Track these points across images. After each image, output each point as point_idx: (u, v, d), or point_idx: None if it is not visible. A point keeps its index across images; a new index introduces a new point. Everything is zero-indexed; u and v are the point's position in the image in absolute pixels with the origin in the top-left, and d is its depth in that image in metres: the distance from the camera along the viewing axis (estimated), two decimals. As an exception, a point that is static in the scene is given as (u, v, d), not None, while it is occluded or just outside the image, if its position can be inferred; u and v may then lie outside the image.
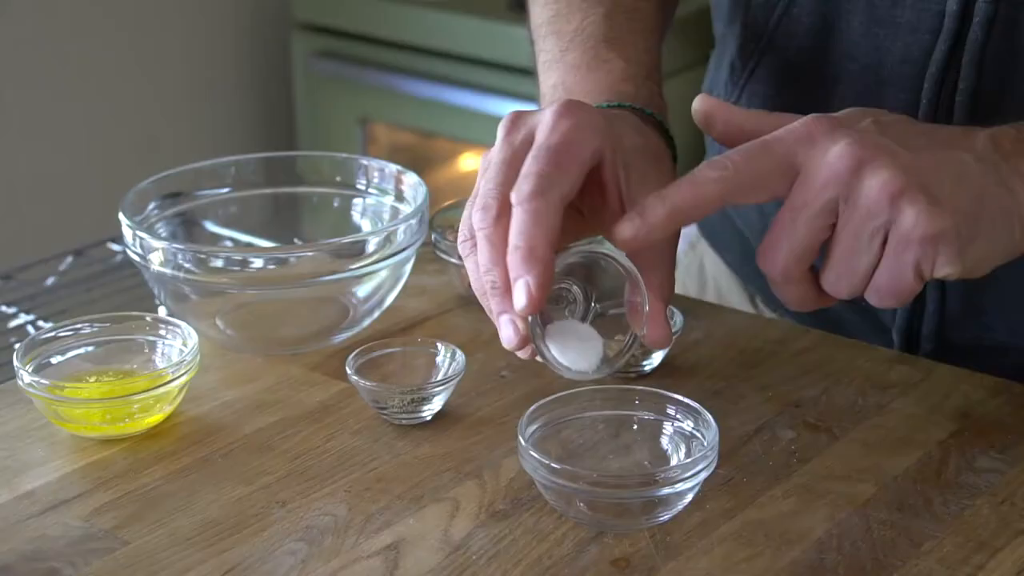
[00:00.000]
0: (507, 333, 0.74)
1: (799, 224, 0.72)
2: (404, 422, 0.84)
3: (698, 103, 0.79)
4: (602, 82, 0.88)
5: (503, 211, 0.74)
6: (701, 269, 1.14)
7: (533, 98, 2.23)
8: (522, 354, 0.76)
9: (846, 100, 0.92)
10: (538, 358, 0.75)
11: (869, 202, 0.71)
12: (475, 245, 0.76)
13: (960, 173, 0.72)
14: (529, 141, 0.76)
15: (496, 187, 0.75)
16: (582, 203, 0.76)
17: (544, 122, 0.76)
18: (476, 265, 0.76)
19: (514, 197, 0.73)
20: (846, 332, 0.97)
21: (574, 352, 0.76)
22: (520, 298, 0.72)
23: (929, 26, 0.88)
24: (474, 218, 0.75)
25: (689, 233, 1.18)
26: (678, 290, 1.15)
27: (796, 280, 0.74)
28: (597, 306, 0.80)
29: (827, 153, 0.72)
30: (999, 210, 0.73)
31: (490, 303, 0.75)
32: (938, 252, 0.71)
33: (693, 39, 1.73)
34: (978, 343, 0.93)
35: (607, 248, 0.76)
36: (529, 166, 0.74)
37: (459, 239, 0.78)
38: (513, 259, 0.72)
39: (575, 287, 0.79)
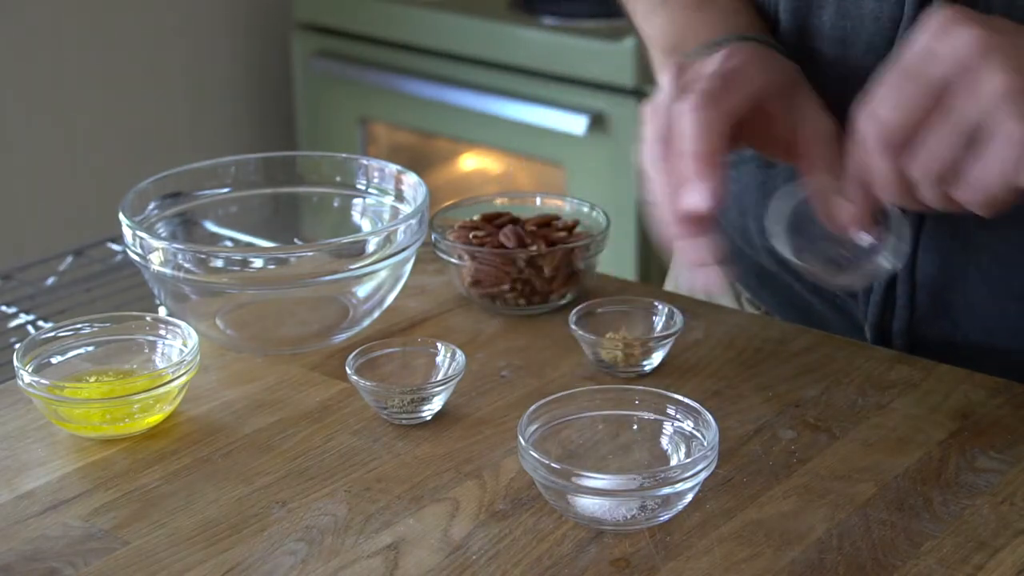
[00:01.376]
0: (694, 200, 0.77)
1: (907, 90, 0.73)
2: (404, 422, 0.84)
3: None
4: (715, 18, 0.92)
5: (669, 152, 0.78)
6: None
7: (534, 98, 2.23)
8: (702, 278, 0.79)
9: (819, 93, 0.93)
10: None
11: (985, 92, 0.72)
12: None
13: None
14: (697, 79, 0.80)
15: (657, 129, 0.79)
16: (749, 129, 0.81)
17: (711, 61, 0.80)
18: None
19: (687, 98, 0.77)
20: (826, 329, 0.97)
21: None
22: (693, 198, 0.76)
23: (891, 14, 0.89)
24: (652, 149, 0.79)
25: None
26: (669, 287, 1.16)
27: (891, 152, 0.75)
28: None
29: (955, 35, 0.72)
30: None
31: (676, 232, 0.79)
32: None
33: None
34: (949, 340, 0.93)
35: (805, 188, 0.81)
36: (701, 80, 0.78)
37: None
38: (682, 163, 0.77)
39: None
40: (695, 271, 0.78)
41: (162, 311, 0.96)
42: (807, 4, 0.93)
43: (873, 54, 0.90)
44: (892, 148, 0.75)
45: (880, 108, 0.75)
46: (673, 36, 0.94)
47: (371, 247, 0.91)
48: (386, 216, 1.00)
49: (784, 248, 0.82)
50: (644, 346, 0.88)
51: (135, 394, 0.82)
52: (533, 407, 0.77)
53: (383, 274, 0.92)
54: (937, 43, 0.73)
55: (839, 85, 0.92)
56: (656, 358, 0.89)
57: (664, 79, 0.82)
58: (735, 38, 0.87)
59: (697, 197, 0.76)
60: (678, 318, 0.89)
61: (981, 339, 0.92)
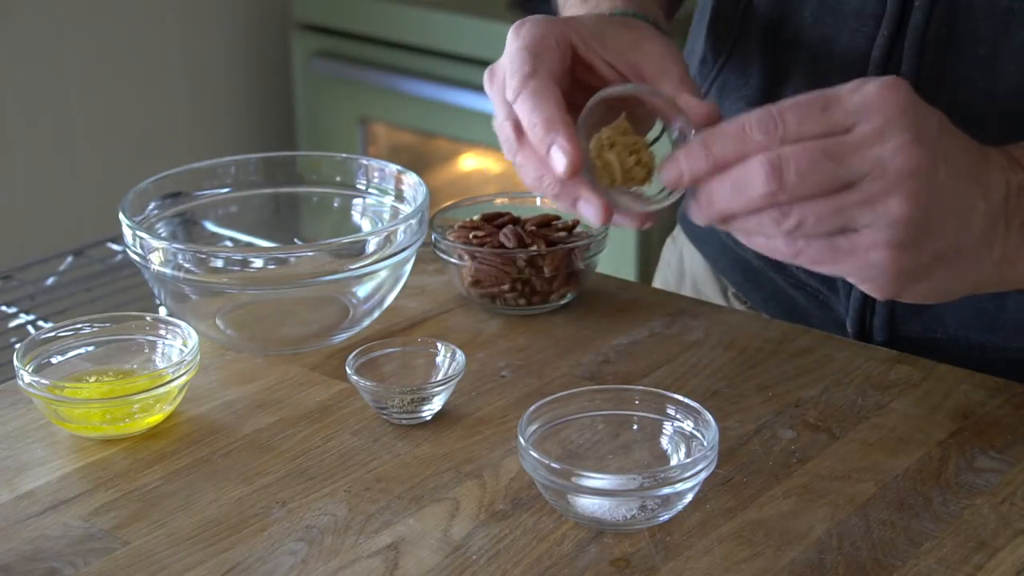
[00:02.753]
0: (591, 212, 0.78)
1: (823, 171, 0.71)
2: (404, 422, 0.84)
3: None
4: (601, 4, 0.92)
5: (520, 133, 0.79)
6: (680, 261, 1.15)
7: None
8: (621, 220, 0.79)
9: (798, 89, 0.93)
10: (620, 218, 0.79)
11: (887, 164, 0.70)
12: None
13: (965, 218, 0.73)
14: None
15: (504, 118, 0.80)
16: (579, 90, 0.81)
17: (508, 42, 0.82)
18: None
19: (510, 96, 0.79)
20: (808, 323, 0.98)
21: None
22: (558, 160, 0.76)
23: (873, 11, 0.89)
24: (505, 153, 0.82)
25: (673, 227, 1.19)
26: (658, 284, 1.16)
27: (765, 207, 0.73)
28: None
29: (890, 138, 0.70)
30: (968, 260, 0.74)
31: (561, 205, 0.80)
32: (891, 265, 0.72)
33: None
34: (930, 336, 0.93)
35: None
36: (508, 67, 0.80)
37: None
38: (535, 135, 0.77)
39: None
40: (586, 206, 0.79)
41: (162, 311, 0.96)
42: (789, 1, 0.93)
43: (855, 51, 0.91)
44: (773, 200, 0.72)
45: (788, 168, 0.71)
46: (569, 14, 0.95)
47: (371, 247, 0.91)
48: (386, 216, 1.00)
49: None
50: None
51: (135, 394, 0.82)
52: (533, 407, 0.77)
53: (383, 274, 0.92)
54: (878, 137, 0.70)
55: (818, 81, 0.93)
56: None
57: (484, 83, 0.84)
58: (609, 13, 0.88)
59: (559, 156, 0.76)
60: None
61: (959, 334, 0.93)
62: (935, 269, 0.73)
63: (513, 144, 0.80)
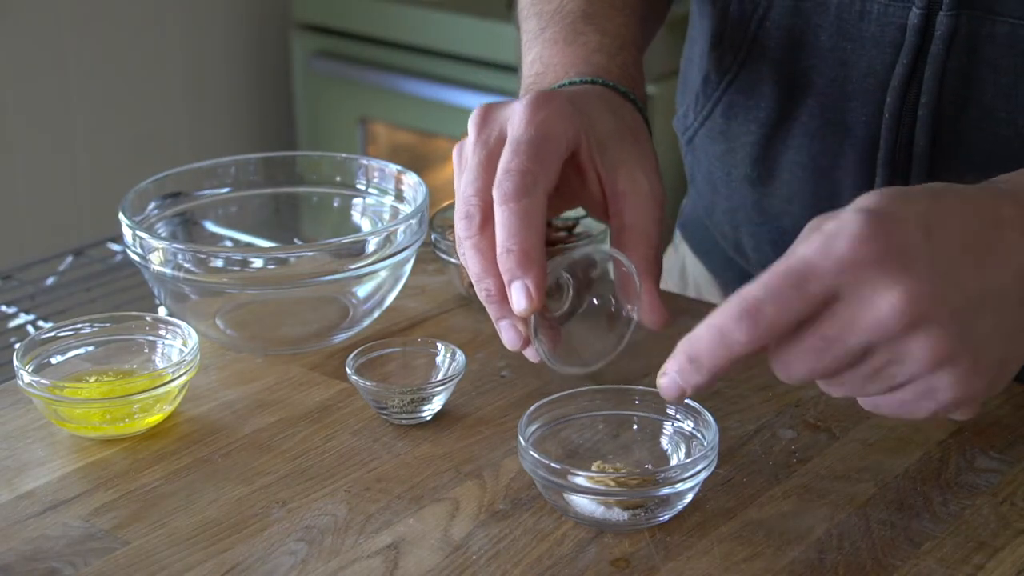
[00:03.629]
0: (509, 337, 0.76)
1: (827, 355, 0.65)
2: (404, 422, 0.84)
3: None
4: (577, 55, 0.88)
5: (487, 218, 0.75)
6: (683, 270, 1.15)
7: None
8: (529, 354, 0.77)
9: (813, 113, 0.93)
10: (528, 352, 0.76)
11: (913, 363, 0.64)
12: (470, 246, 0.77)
13: (1000, 309, 0.65)
14: (502, 138, 0.77)
15: (475, 192, 0.76)
16: (558, 187, 0.77)
17: (516, 115, 0.77)
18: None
19: (497, 196, 0.74)
20: None
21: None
22: (520, 301, 0.73)
23: (892, 39, 0.88)
24: (457, 228, 0.76)
25: (672, 235, 1.19)
26: (662, 287, 1.16)
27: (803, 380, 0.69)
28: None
29: (877, 299, 0.63)
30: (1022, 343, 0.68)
31: (487, 309, 0.76)
32: (959, 408, 0.67)
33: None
34: None
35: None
36: (508, 162, 0.75)
37: (455, 241, 0.78)
38: (507, 262, 0.73)
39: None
40: (509, 341, 0.77)
41: (162, 311, 0.96)
42: (804, 23, 0.93)
43: (874, 78, 0.90)
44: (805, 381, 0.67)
45: (797, 365, 0.66)
46: (536, 69, 0.90)
47: (371, 247, 0.91)
48: (386, 216, 1.00)
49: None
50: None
51: (135, 394, 0.82)
52: (533, 407, 0.77)
53: (383, 274, 0.92)
54: (859, 310, 0.63)
55: (837, 105, 0.92)
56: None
57: (470, 125, 0.79)
58: (588, 81, 0.83)
59: (521, 298, 0.73)
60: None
61: None
62: (1001, 370, 0.67)
63: (474, 227, 0.76)
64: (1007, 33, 0.85)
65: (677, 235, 1.17)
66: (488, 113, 0.79)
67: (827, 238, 0.64)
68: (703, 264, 1.12)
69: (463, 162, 0.79)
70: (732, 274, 1.07)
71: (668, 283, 1.16)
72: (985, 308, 0.65)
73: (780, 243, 0.92)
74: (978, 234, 0.65)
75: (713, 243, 1.08)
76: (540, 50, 0.91)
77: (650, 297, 0.77)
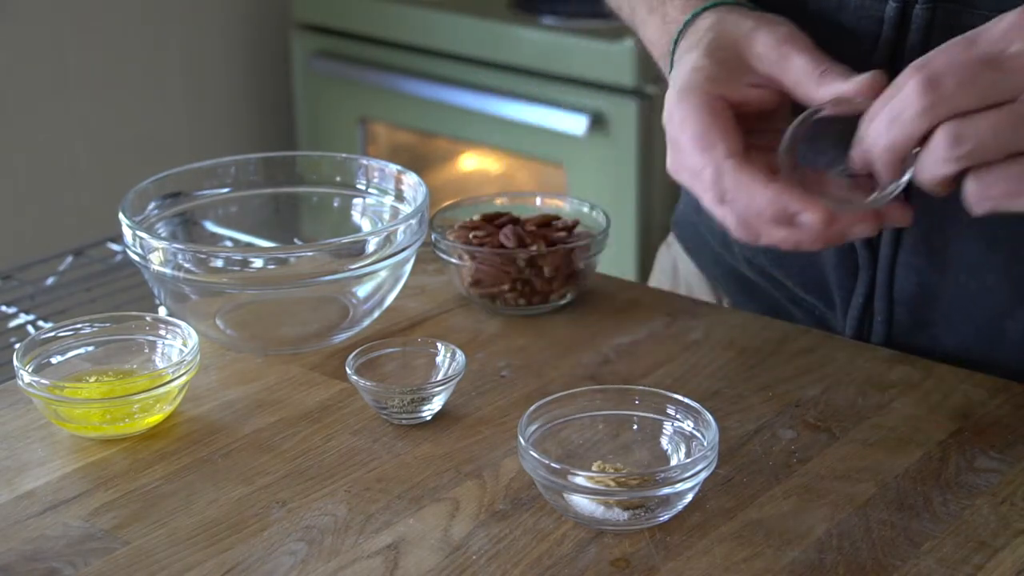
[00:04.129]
0: (812, 222, 0.77)
1: (1021, 131, 0.70)
2: (404, 422, 0.84)
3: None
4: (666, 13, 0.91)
5: (717, 190, 0.79)
6: (674, 268, 1.15)
7: (534, 98, 2.23)
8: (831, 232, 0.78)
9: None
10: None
11: None
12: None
13: None
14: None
15: (701, 168, 0.80)
16: (758, 114, 0.81)
17: (669, 124, 0.81)
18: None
19: (711, 197, 0.79)
20: None
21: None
22: (812, 225, 0.76)
23: (870, 32, 0.88)
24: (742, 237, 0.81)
25: (667, 234, 1.19)
26: (653, 284, 1.16)
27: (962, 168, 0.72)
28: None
29: None
30: None
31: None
32: None
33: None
34: (927, 353, 0.93)
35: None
36: (692, 169, 0.80)
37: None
38: (772, 216, 0.77)
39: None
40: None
41: (162, 311, 0.96)
42: (782, 15, 0.92)
43: (867, 18, 0.90)
44: (933, 115, 0.71)
45: (944, 77, 0.71)
46: (666, 35, 0.92)
47: (371, 247, 0.91)
48: (386, 216, 1.00)
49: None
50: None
51: (135, 394, 0.82)
52: (533, 407, 0.77)
53: (383, 274, 0.92)
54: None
55: (832, 48, 0.92)
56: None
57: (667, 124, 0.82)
58: (712, 5, 0.86)
59: (809, 222, 0.76)
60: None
61: (958, 352, 0.92)
62: None
63: (716, 199, 0.80)
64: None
65: (671, 234, 1.17)
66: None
67: (997, 19, 0.71)
68: (693, 262, 1.12)
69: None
70: (720, 271, 1.07)
71: (660, 279, 1.16)
72: None
73: None
74: None
75: (702, 241, 1.08)
76: (663, 16, 0.93)
77: (844, 87, 0.78)
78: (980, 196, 0.72)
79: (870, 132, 0.74)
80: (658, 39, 0.92)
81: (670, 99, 0.82)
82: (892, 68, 0.87)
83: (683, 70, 0.83)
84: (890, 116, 0.73)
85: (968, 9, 0.85)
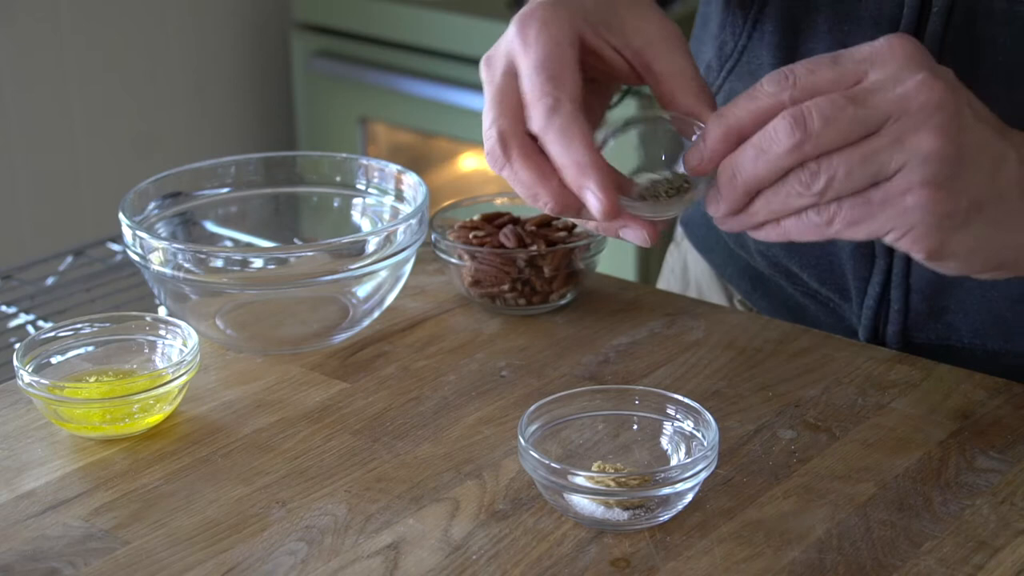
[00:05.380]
0: (594, 206, 0.75)
1: (845, 115, 0.70)
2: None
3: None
4: None
5: (507, 146, 0.76)
6: (684, 268, 1.15)
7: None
8: (613, 224, 0.77)
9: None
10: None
11: (911, 145, 0.69)
12: (505, 165, 0.77)
13: (997, 162, 0.72)
14: (511, 71, 0.77)
15: (492, 124, 0.77)
16: (588, 80, 0.78)
17: (513, 45, 0.77)
18: (513, 179, 0.78)
19: (534, 127, 0.75)
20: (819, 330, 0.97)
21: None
22: (594, 204, 0.74)
23: (890, 16, 0.89)
24: (490, 163, 0.78)
25: (674, 232, 1.19)
26: (662, 286, 1.16)
27: (796, 159, 0.71)
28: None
29: (910, 78, 0.70)
30: (1005, 215, 0.72)
31: (559, 212, 0.77)
32: (923, 221, 0.70)
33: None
34: (944, 344, 0.93)
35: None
36: (529, 93, 0.76)
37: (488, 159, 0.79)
38: (567, 177, 0.75)
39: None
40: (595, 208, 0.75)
41: (162, 311, 0.96)
42: (803, 5, 0.93)
43: (888, 2, 0.90)
44: (800, 154, 0.71)
45: (811, 115, 0.70)
46: None
47: (371, 247, 0.91)
48: (386, 216, 1.00)
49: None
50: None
51: (135, 394, 0.82)
52: (533, 407, 0.77)
53: (383, 274, 0.92)
54: (894, 80, 0.70)
55: (851, 32, 0.92)
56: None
57: (481, 76, 0.79)
58: None
59: (593, 202, 0.74)
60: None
61: (974, 341, 0.92)
62: (974, 218, 0.71)
63: (499, 158, 0.77)
64: (1004, 10, 0.85)
65: (679, 232, 1.17)
66: (489, 57, 0.80)
67: (872, 43, 0.72)
68: (706, 261, 1.12)
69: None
70: (734, 269, 1.07)
71: (669, 280, 1.16)
72: (986, 140, 0.71)
73: None
74: (993, 117, 0.74)
75: (716, 238, 1.08)
76: None
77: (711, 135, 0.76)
78: (825, 222, 0.73)
79: (738, 159, 0.72)
80: None
81: (530, 12, 0.78)
82: None
83: None
84: (757, 150, 0.71)
85: None
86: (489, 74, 0.79)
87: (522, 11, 0.78)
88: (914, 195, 0.70)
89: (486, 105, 0.78)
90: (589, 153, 0.74)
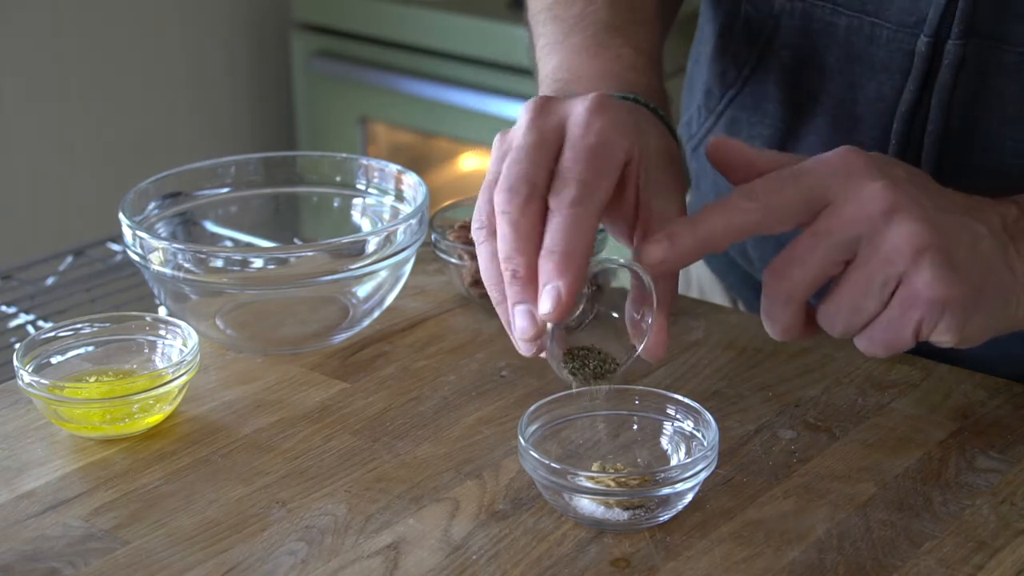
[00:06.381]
0: (523, 324, 0.73)
1: (818, 251, 0.72)
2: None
3: (713, 147, 0.78)
4: (608, 68, 0.86)
5: (532, 196, 0.72)
6: (687, 270, 1.14)
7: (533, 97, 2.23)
8: (526, 349, 0.74)
9: (820, 134, 0.92)
10: (544, 355, 0.75)
11: (892, 249, 0.70)
12: (492, 232, 0.74)
13: (975, 243, 0.73)
14: (559, 131, 0.74)
15: (525, 171, 0.73)
16: None
17: (577, 115, 0.74)
18: (492, 252, 0.74)
19: (555, 202, 0.72)
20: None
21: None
22: (547, 304, 0.71)
23: (900, 65, 0.88)
24: (497, 200, 0.73)
25: None
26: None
27: (796, 305, 0.74)
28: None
29: (862, 189, 0.71)
30: (1001, 288, 0.74)
31: (506, 291, 0.73)
32: (942, 317, 0.72)
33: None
34: (943, 349, 0.93)
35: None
36: (570, 169, 0.73)
37: (474, 226, 0.76)
38: (548, 263, 0.71)
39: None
40: (521, 329, 0.73)
41: (162, 311, 0.96)
42: (812, 44, 0.92)
43: (882, 102, 0.90)
44: (798, 302, 0.74)
45: (791, 267, 0.72)
46: (562, 76, 0.87)
47: (371, 247, 0.91)
48: (386, 216, 1.00)
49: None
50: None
51: (135, 394, 0.82)
52: (533, 407, 0.77)
53: (383, 274, 0.92)
54: (845, 204, 0.71)
55: (844, 126, 0.92)
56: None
57: (525, 112, 0.76)
58: (624, 97, 0.81)
59: (549, 301, 0.71)
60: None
61: (974, 347, 0.92)
62: (979, 297, 0.73)
63: (517, 202, 0.72)
64: (1016, 63, 0.84)
65: None
66: (547, 104, 0.76)
67: (825, 155, 0.73)
68: (707, 266, 1.12)
69: (505, 144, 0.76)
70: (735, 277, 1.07)
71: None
72: (957, 226, 0.72)
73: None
74: (959, 198, 0.75)
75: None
76: (565, 57, 0.88)
77: (659, 328, 0.76)
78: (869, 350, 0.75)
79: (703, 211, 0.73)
80: (602, 64, 0.87)
81: (611, 101, 0.76)
82: (921, 103, 0.88)
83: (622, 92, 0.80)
84: (722, 207, 0.73)
85: (1001, 45, 0.85)
86: (537, 120, 0.75)
87: (602, 96, 0.75)
88: (929, 289, 0.71)
89: (524, 146, 0.74)
90: (584, 258, 0.72)
